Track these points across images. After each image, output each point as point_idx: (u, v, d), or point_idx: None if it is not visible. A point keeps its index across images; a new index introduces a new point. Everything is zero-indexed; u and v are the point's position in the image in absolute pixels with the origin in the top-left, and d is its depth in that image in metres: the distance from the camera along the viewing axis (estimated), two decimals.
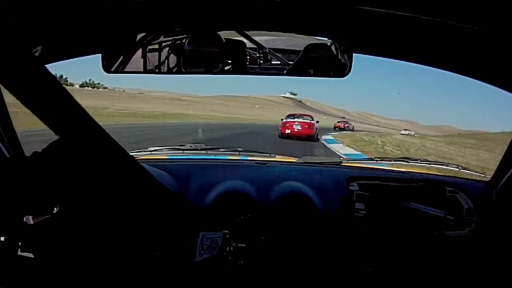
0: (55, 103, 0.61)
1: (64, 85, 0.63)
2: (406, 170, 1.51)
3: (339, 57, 0.94)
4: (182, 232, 0.94)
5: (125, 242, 0.79)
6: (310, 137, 11.51)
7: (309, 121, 12.25)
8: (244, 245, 1.08)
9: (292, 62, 0.98)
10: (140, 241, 0.81)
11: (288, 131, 11.38)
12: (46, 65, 0.74)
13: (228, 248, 1.04)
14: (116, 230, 0.76)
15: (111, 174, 0.71)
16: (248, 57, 0.97)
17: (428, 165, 1.53)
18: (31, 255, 0.72)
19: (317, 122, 13.33)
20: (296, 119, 12.05)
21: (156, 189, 0.81)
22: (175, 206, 0.94)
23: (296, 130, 11.43)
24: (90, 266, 0.78)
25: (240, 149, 1.62)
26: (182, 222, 0.94)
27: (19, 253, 0.72)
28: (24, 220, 0.72)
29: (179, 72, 0.96)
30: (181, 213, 0.96)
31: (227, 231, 1.04)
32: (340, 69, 0.92)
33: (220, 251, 1.02)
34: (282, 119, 12.58)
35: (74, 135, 0.64)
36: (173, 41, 0.95)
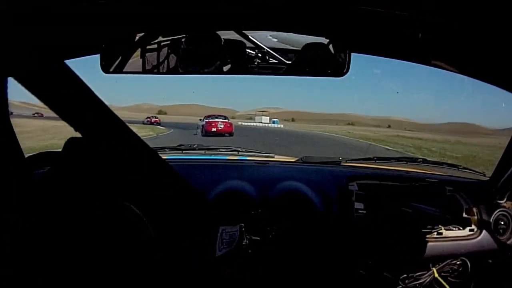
0: (77, 100, 0.62)
1: None
2: (405, 170, 1.51)
3: (337, 56, 0.93)
4: (202, 228, 0.94)
5: (148, 240, 0.79)
6: (231, 133, 14.19)
7: (228, 120, 15.20)
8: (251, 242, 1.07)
9: (290, 62, 0.98)
10: (162, 239, 0.81)
11: (214, 129, 14.04)
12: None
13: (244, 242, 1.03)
14: (140, 228, 0.76)
15: (137, 171, 0.71)
16: (246, 57, 0.97)
17: (427, 165, 1.53)
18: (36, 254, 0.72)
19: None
20: (217, 119, 14.87)
21: (180, 186, 0.81)
22: (197, 201, 0.94)
23: (220, 128, 14.21)
24: (110, 261, 0.78)
25: (239, 149, 1.63)
26: (202, 218, 0.94)
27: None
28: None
29: (177, 72, 0.95)
30: (201, 209, 0.95)
31: (243, 225, 1.04)
32: (338, 69, 0.92)
33: (237, 245, 1.01)
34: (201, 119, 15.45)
35: (99, 132, 0.65)
36: (172, 41, 0.95)
